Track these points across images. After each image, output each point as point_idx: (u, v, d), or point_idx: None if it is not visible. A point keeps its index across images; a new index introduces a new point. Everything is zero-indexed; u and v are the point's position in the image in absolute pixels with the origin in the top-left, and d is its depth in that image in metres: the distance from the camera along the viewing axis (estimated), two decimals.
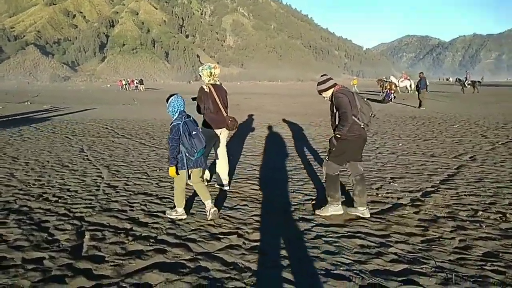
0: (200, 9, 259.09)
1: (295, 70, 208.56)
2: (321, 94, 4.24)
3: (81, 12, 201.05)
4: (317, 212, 4.25)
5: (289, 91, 44.45)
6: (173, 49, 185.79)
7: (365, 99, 4.15)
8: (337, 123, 3.99)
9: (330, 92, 4.11)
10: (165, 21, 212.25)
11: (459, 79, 40.33)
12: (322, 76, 4.26)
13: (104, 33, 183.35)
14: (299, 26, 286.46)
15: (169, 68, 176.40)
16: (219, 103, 5.04)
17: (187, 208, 4.37)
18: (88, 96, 34.77)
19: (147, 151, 8.01)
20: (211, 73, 5.04)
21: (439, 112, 15.88)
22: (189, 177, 4.08)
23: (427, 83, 18.89)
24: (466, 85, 32.66)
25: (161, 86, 78.24)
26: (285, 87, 65.76)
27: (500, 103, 20.43)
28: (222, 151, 5.31)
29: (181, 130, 3.86)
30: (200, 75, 5.14)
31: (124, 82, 53.69)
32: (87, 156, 7.48)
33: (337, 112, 3.98)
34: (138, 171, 6.32)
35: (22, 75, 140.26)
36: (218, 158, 5.31)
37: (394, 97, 22.35)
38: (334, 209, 4.17)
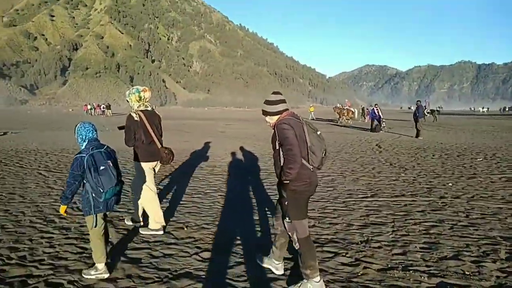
0: (167, 35, 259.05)
1: (261, 97, 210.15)
2: (265, 117, 3.36)
3: (43, 35, 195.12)
4: None
5: (261, 117, 44.49)
6: (138, 73, 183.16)
7: (318, 132, 3.26)
8: (281, 163, 3.13)
9: (275, 118, 3.26)
10: (130, 45, 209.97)
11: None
12: (273, 94, 3.33)
13: (66, 56, 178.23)
14: (265, 54, 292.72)
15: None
16: (151, 132, 4.41)
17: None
18: (52, 121, 33.00)
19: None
20: (140, 97, 4.42)
21: (440, 142, 15.40)
22: (96, 223, 3.34)
23: (425, 112, 19.04)
24: (426, 113, 33.77)
25: (127, 111, 75.95)
26: (254, 113, 65.97)
27: (482, 132, 21.23)
28: (152, 187, 4.60)
29: (85, 164, 3.17)
30: (127, 101, 4.50)
31: (89, 107, 51.91)
32: (75, 203, 5.66)
33: (280, 148, 3.14)
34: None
35: None
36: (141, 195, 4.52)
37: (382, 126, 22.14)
38: (315, 286, 3.16)
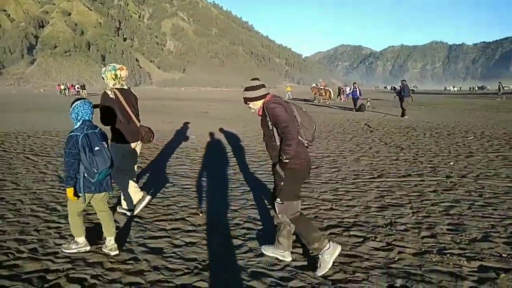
0: (138, 12, 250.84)
1: (238, 77, 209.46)
2: (248, 104, 3.29)
3: (5, 11, 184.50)
4: (318, 274, 3.06)
5: (240, 98, 43.95)
6: (110, 52, 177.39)
7: (303, 109, 3.26)
8: (276, 142, 3.08)
9: (259, 103, 3.21)
10: (100, 23, 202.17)
11: (394, 87, 42.47)
12: (252, 80, 3.30)
13: (32, 34, 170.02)
14: (240, 33, 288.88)
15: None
16: (129, 111, 4.23)
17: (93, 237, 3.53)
18: (25, 102, 31.38)
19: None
20: (116, 75, 4.24)
21: (427, 121, 15.47)
22: (84, 200, 3.24)
23: (410, 91, 19.11)
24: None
25: (101, 91, 73.54)
26: (233, 94, 65.10)
27: (464, 110, 21.60)
28: (133, 169, 4.53)
29: (79, 143, 3.05)
30: (103, 78, 4.33)
31: (63, 87, 49.93)
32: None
33: (274, 129, 3.07)
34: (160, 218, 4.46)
35: None
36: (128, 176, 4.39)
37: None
38: (330, 254, 3.05)
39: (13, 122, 14.54)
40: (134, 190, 4.35)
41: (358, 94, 22.18)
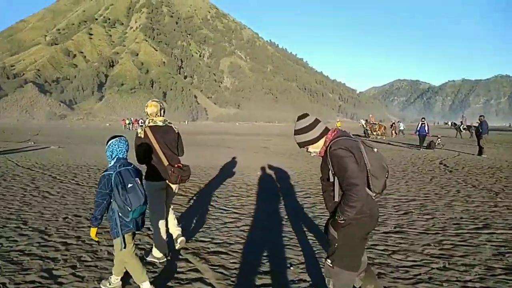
0: (199, 51, 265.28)
1: (291, 112, 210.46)
2: (306, 149, 2.72)
3: (82, 52, 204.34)
4: None
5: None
6: (171, 89, 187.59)
7: (375, 149, 2.65)
8: (335, 198, 2.53)
9: (320, 143, 2.63)
10: (164, 62, 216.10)
11: (454, 123, 40.42)
12: (302, 118, 2.70)
13: (103, 73, 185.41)
14: (295, 69, 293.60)
15: (166, 108, 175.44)
16: (158, 149, 4.06)
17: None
18: (93, 135, 33.53)
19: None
20: (147, 112, 4.21)
21: (510, 160, 14.12)
22: (124, 244, 3.11)
23: (461, 128, 17.83)
24: (462, 129, 31.94)
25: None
26: (286, 128, 65.12)
27: None
28: (159, 210, 4.24)
29: (112, 182, 2.98)
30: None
31: (127, 121, 52.94)
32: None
33: (335, 179, 2.51)
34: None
35: (18, 112, 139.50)
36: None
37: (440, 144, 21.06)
38: None
39: (85, 155, 15.23)
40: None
41: (426, 131, 20.72)
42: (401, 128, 35.23)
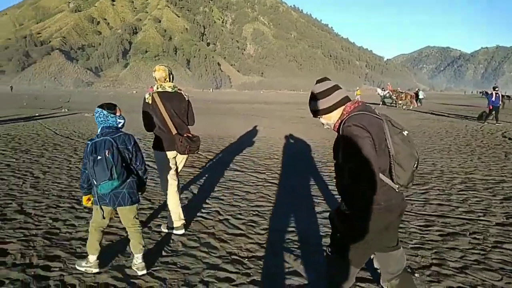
0: (221, 18, 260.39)
1: (314, 80, 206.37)
2: (318, 118, 2.22)
3: (105, 19, 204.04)
4: None
5: None
6: (194, 56, 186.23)
7: (405, 132, 2.08)
8: (346, 183, 2.00)
9: (335, 115, 2.13)
10: (187, 29, 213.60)
11: (486, 92, 37.79)
12: (320, 81, 2.20)
13: (127, 40, 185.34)
14: (320, 36, 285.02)
15: (190, 76, 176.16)
16: (166, 117, 3.79)
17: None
18: (122, 102, 33.32)
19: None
20: (154, 77, 3.95)
21: None
22: (103, 216, 2.99)
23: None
24: None
25: (187, 93, 76.53)
26: None
27: None
28: (172, 181, 3.95)
29: (87, 151, 2.83)
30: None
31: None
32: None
33: (346, 163, 1.99)
34: None
35: (47, 79, 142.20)
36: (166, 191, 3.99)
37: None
38: None
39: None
40: (175, 214, 3.96)
41: (497, 101, 17.78)
42: (421, 96, 33.19)
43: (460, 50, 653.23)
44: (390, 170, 2.04)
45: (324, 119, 2.18)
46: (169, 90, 3.89)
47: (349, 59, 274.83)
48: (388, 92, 32.36)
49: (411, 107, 29.02)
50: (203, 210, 4.77)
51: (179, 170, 4.10)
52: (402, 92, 30.99)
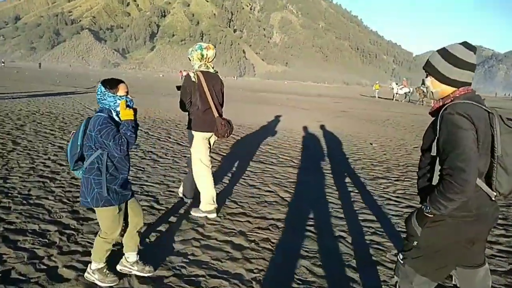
0: (250, 4, 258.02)
1: (340, 73, 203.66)
2: (425, 78, 1.90)
3: (135, 1, 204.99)
4: None
5: (357, 97, 40.94)
6: (220, 42, 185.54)
7: None
8: (434, 180, 1.74)
9: (443, 88, 1.83)
10: (214, 14, 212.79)
11: None
12: (464, 47, 1.78)
13: (155, 23, 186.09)
14: (348, 27, 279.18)
15: (215, 62, 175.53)
16: (209, 98, 3.71)
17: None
18: (153, 85, 33.20)
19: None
20: (202, 55, 3.73)
21: None
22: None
23: None
24: None
25: None
26: (343, 90, 61.92)
27: None
28: (208, 163, 3.89)
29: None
30: (189, 59, 3.85)
31: (184, 73, 52.89)
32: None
33: (438, 155, 1.73)
34: None
35: (75, 58, 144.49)
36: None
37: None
38: None
39: (160, 107, 14.53)
40: (210, 197, 3.84)
41: None
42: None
43: (492, 50, 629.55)
44: (490, 174, 1.74)
45: (430, 82, 1.87)
46: (212, 71, 3.83)
47: (377, 53, 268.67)
48: (406, 88, 31.93)
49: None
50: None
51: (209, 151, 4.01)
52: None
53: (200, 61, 3.76)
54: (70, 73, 54.27)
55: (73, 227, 3.37)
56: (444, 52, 1.81)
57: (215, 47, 4.04)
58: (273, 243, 3.39)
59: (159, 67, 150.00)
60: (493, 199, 1.77)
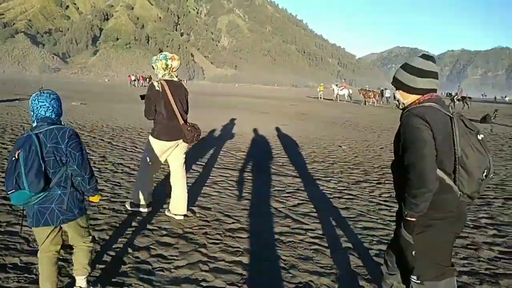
0: (196, 8, 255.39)
1: (288, 75, 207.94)
2: (396, 91, 2.08)
3: (75, 4, 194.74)
4: None
5: (302, 97, 41.86)
6: (167, 46, 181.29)
7: (480, 136, 1.87)
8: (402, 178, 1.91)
9: (411, 98, 2.00)
10: (160, 17, 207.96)
11: (449, 93, 40.29)
12: (423, 58, 2.01)
13: (97, 26, 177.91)
14: (294, 31, 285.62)
15: None
16: (174, 106, 3.82)
17: None
18: (101, 92, 31.58)
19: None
20: (167, 65, 3.87)
21: None
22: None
23: (455, 99, 16.39)
24: (456, 100, 30.95)
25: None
26: (293, 92, 62.91)
27: None
28: (178, 171, 4.08)
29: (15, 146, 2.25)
30: (153, 67, 3.97)
31: (133, 78, 52.19)
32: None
33: (403, 154, 1.89)
34: None
35: (10, 64, 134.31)
36: (173, 180, 4.11)
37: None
38: None
39: (117, 113, 13.89)
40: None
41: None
42: (387, 95, 35.36)
43: (427, 52, 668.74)
44: (455, 175, 1.86)
45: (400, 95, 2.04)
46: (175, 79, 3.92)
47: (322, 56, 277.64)
48: (346, 89, 35.09)
49: (376, 104, 31.43)
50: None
51: (182, 161, 4.09)
52: (370, 91, 33.43)
53: (164, 70, 3.86)
54: (7, 79, 50.28)
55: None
56: (406, 66, 2.01)
57: (162, 51, 4.01)
58: (284, 260, 3.21)
59: (103, 71, 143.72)
60: (461, 199, 1.88)
